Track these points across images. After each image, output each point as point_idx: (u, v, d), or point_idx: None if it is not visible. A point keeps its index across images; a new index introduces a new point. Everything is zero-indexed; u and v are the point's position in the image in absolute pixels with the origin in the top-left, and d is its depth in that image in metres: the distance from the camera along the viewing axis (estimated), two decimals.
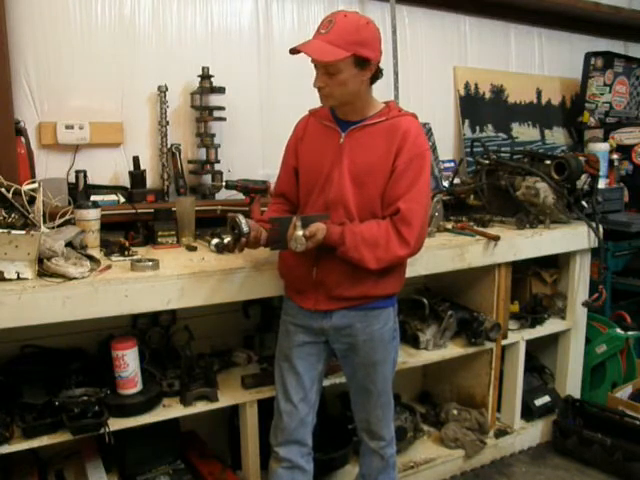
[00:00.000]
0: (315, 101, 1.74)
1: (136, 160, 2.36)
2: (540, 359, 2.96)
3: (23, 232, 1.64)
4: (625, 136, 3.48)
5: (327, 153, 1.71)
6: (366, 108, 1.69)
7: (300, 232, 1.58)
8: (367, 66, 1.60)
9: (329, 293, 1.72)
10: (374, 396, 1.81)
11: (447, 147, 3.29)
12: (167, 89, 2.39)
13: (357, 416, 1.89)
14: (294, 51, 1.59)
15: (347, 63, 1.56)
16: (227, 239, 1.73)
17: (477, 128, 3.35)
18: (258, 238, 1.72)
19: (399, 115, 1.69)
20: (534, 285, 2.84)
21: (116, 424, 1.80)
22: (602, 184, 3.03)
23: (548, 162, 2.65)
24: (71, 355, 2.04)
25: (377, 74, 1.66)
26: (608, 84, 3.73)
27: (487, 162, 2.83)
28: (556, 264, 2.84)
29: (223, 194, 2.50)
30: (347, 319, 1.74)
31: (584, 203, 2.66)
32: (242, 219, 1.69)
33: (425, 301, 2.45)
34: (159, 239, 2.16)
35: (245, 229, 1.68)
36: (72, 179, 2.27)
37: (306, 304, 1.76)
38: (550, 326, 2.77)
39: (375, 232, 1.63)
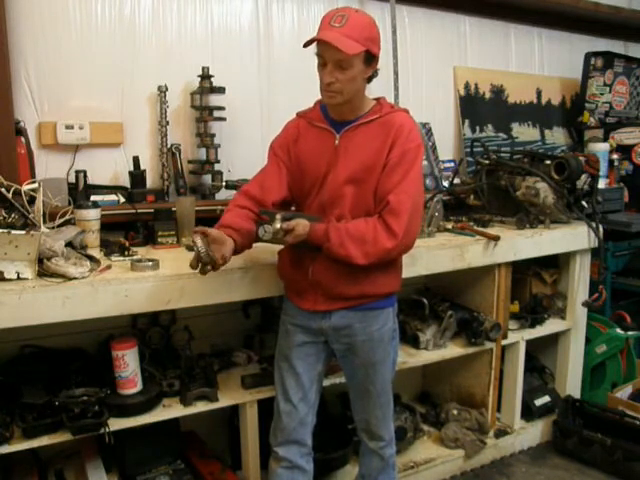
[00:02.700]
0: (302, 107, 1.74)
1: (136, 160, 2.36)
2: (540, 359, 2.96)
3: (23, 232, 1.64)
4: (625, 136, 3.48)
5: (323, 156, 1.69)
6: (360, 106, 1.69)
7: (278, 225, 1.56)
8: (372, 63, 1.61)
9: (327, 293, 1.71)
10: (373, 396, 1.81)
11: (447, 147, 3.28)
12: (167, 89, 2.39)
13: (356, 416, 1.89)
14: (309, 42, 1.56)
15: (359, 59, 1.56)
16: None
17: (477, 128, 3.35)
18: (225, 257, 1.59)
19: (392, 111, 1.69)
20: (534, 285, 2.84)
21: (116, 424, 1.79)
22: (602, 184, 3.02)
23: (548, 162, 2.65)
24: (71, 355, 2.04)
25: (374, 73, 1.66)
26: (608, 84, 3.73)
27: (487, 162, 2.83)
28: (556, 264, 2.84)
29: (223, 194, 2.49)
30: (346, 319, 1.74)
31: (584, 203, 2.66)
32: (199, 241, 1.53)
33: (425, 301, 2.44)
34: (159, 239, 2.16)
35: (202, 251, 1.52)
36: (72, 179, 2.27)
37: (305, 305, 1.76)
38: (550, 326, 2.77)
39: (362, 228, 1.61)
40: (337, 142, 1.68)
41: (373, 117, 1.67)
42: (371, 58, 1.59)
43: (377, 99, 1.73)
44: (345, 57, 1.54)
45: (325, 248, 1.62)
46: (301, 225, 1.59)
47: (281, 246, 1.78)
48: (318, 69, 1.61)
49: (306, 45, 1.58)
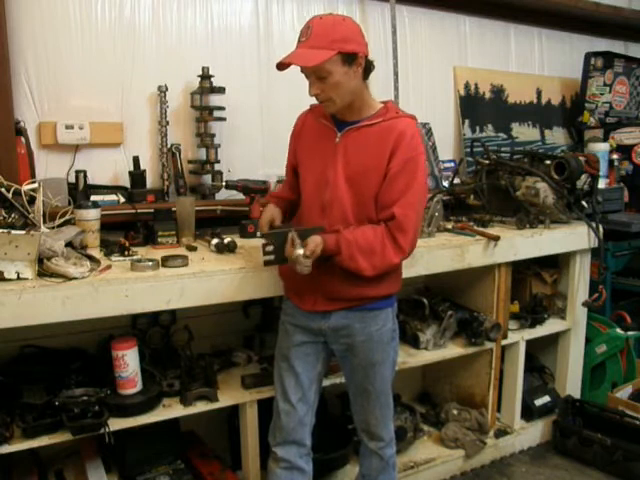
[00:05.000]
0: (315, 100, 1.73)
1: (136, 160, 2.36)
2: (540, 359, 2.96)
3: (23, 232, 1.64)
4: (625, 136, 3.48)
5: (323, 152, 1.70)
6: (363, 108, 1.68)
7: (300, 251, 1.55)
8: (355, 60, 1.58)
9: (327, 295, 1.71)
10: (373, 397, 1.81)
11: (447, 147, 3.29)
12: (167, 89, 2.39)
13: (356, 417, 1.89)
14: (281, 66, 1.59)
15: (334, 63, 1.55)
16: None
17: (477, 128, 3.35)
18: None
19: (396, 117, 1.67)
20: (534, 285, 2.83)
21: (116, 424, 1.80)
22: (602, 184, 3.02)
23: (548, 162, 2.65)
24: (71, 355, 2.04)
25: (369, 67, 1.64)
26: (608, 84, 3.73)
27: (487, 162, 2.83)
28: (556, 264, 2.84)
29: (223, 194, 2.50)
30: (345, 320, 1.73)
31: (584, 203, 2.66)
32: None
33: (425, 301, 2.44)
34: (159, 239, 2.16)
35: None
36: (72, 179, 2.27)
37: (305, 305, 1.76)
38: (550, 326, 2.77)
39: (371, 239, 1.61)
40: (337, 140, 1.68)
41: (376, 120, 1.66)
42: (350, 57, 1.57)
43: (384, 102, 1.72)
44: (317, 68, 1.54)
45: (336, 260, 1.62)
46: (318, 245, 1.58)
47: None
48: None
49: (279, 68, 1.60)
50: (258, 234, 2.31)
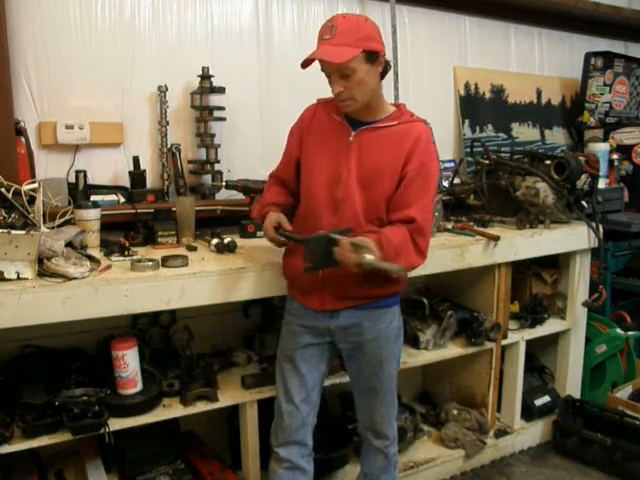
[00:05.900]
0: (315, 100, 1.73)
1: (136, 160, 2.36)
2: (540, 359, 2.96)
3: (23, 232, 1.64)
4: (625, 136, 3.48)
5: (335, 149, 1.69)
6: (378, 109, 1.68)
7: (371, 256, 1.51)
8: (377, 59, 1.60)
9: (335, 293, 1.71)
10: (380, 395, 1.81)
11: (447, 147, 3.28)
12: (167, 89, 2.39)
13: (361, 415, 1.88)
14: (306, 64, 1.58)
15: (359, 61, 1.56)
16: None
17: (477, 128, 3.35)
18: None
19: (411, 121, 1.68)
20: (534, 285, 2.84)
21: (116, 424, 1.80)
22: (602, 184, 3.02)
23: (548, 162, 2.65)
24: (71, 355, 2.04)
25: (385, 68, 1.66)
26: (608, 84, 3.73)
27: (487, 162, 2.83)
28: (556, 264, 2.84)
29: (223, 194, 2.50)
30: (354, 318, 1.74)
31: (584, 203, 2.66)
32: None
33: (425, 301, 2.44)
34: (159, 239, 2.16)
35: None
36: (72, 179, 2.27)
37: (312, 304, 1.75)
38: (550, 326, 2.77)
39: (400, 240, 1.61)
40: (351, 139, 1.68)
41: (391, 123, 1.67)
42: (373, 55, 1.58)
43: (397, 105, 1.73)
44: (342, 65, 1.54)
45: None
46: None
47: (285, 246, 1.81)
48: (328, 82, 1.63)
49: (303, 66, 1.59)
50: (261, 235, 2.28)
